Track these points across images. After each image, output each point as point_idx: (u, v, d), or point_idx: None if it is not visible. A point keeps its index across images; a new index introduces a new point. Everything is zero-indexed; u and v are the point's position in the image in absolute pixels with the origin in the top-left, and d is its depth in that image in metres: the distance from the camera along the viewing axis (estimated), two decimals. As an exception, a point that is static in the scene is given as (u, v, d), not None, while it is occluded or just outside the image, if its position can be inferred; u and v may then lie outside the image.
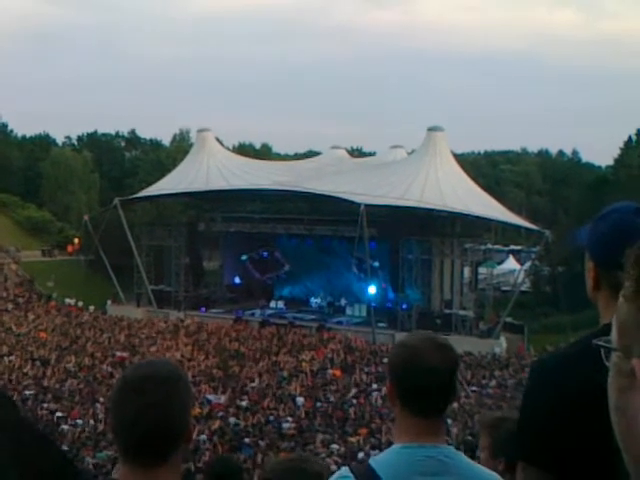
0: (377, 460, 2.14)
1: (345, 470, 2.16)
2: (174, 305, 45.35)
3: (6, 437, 0.65)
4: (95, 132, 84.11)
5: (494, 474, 2.24)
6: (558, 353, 1.95)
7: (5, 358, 30.23)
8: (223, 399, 24.09)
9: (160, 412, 1.76)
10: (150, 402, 1.76)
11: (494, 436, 3.13)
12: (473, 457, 2.47)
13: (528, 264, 47.60)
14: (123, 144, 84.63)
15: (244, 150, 74.20)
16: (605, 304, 1.83)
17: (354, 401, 25.24)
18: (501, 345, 36.74)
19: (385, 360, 31.86)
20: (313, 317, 42.85)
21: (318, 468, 2.58)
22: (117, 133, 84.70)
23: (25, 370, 28.40)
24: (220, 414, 22.40)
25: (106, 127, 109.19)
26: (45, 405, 23.63)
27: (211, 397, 24.08)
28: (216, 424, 20.91)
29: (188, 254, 47.97)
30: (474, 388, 26.88)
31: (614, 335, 1.21)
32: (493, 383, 28.43)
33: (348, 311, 44.44)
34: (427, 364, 2.09)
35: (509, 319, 40.72)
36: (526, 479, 1.79)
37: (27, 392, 25.08)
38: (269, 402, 24.34)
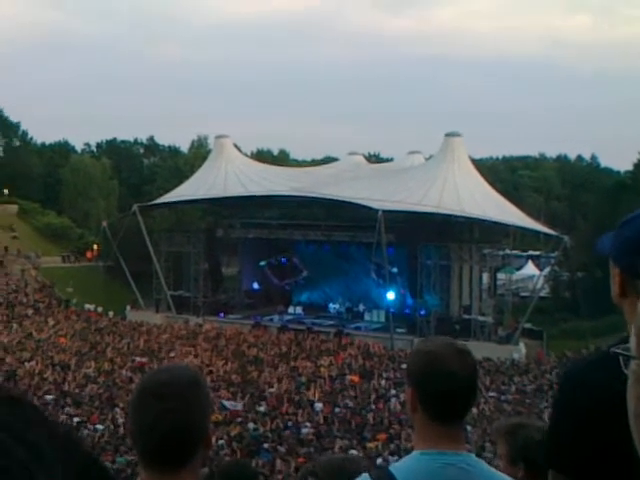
0: (397, 467, 2.13)
1: (365, 476, 2.14)
2: (193, 311, 45.45)
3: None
4: (114, 139, 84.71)
5: None
6: (589, 361, 1.93)
7: (26, 363, 30.43)
8: (240, 406, 24.12)
9: (179, 417, 1.77)
10: (169, 407, 1.77)
11: (511, 443, 3.13)
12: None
13: (547, 269, 47.34)
14: (142, 151, 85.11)
15: (262, 156, 74.40)
16: (631, 311, 1.80)
17: (372, 407, 25.21)
18: (520, 351, 36.55)
19: (403, 366, 31.81)
20: (331, 323, 42.82)
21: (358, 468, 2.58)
22: (136, 140, 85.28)
23: (45, 375, 28.58)
24: (239, 419, 22.45)
25: (125, 134, 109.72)
26: (65, 410, 23.78)
27: (227, 403, 24.08)
28: (235, 430, 20.95)
29: (207, 260, 48.09)
30: (493, 394, 26.78)
31: (633, 343, 1.21)
32: (512, 389, 28.30)
33: (366, 317, 44.40)
34: (448, 369, 2.09)
35: (528, 325, 40.51)
36: None
37: (47, 397, 25.25)
38: (287, 407, 24.36)
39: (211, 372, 29.06)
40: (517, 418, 3.68)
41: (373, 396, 26.64)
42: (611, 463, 1.66)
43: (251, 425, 21.93)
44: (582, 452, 1.72)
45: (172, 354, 33.11)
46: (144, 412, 1.79)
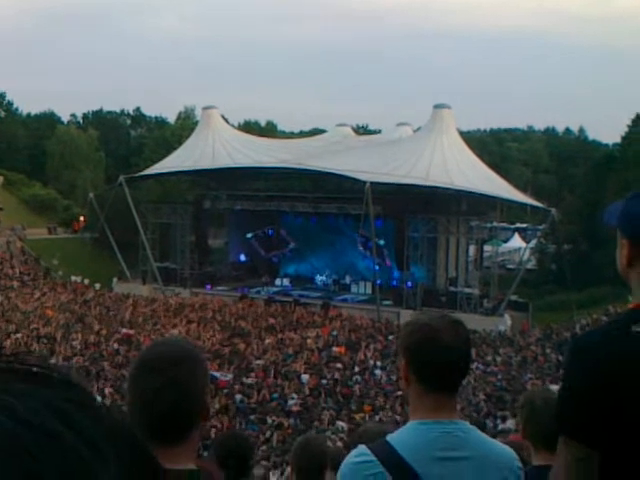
0: (394, 437, 2.15)
1: (363, 448, 2.15)
2: (180, 282, 45.47)
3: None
4: (100, 110, 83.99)
5: (507, 448, 2.26)
6: (598, 331, 1.97)
7: (12, 335, 30.36)
8: (230, 376, 24.18)
9: (179, 391, 1.78)
10: (169, 382, 1.78)
11: (522, 415, 3.16)
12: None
13: (534, 242, 47.57)
14: (128, 122, 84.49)
15: (249, 128, 73.95)
16: (638, 281, 1.85)
17: (358, 378, 25.33)
18: (505, 323, 36.77)
19: (390, 337, 32.00)
20: (318, 295, 42.89)
21: None
22: (122, 111, 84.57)
23: (32, 348, 28.52)
24: (225, 391, 22.51)
25: (111, 105, 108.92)
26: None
27: (217, 374, 24.15)
28: (221, 401, 21.01)
29: (193, 232, 48.01)
30: (479, 366, 26.93)
31: None
32: (498, 360, 28.49)
33: (353, 289, 44.50)
34: (443, 341, 2.13)
35: (514, 297, 40.73)
36: (568, 454, 1.81)
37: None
38: (274, 379, 24.44)
39: (197, 344, 29.08)
40: (533, 389, 3.69)
41: (359, 368, 26.75)
42: (622, 430, 1.70)
43: (238, 397, 22.00)
44: (594, 418, 1.74)
45: (158, 326, 33.09)
46: (143, 387, 1.80)
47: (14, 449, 0.53)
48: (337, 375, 25.47)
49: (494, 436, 2.43)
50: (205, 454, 10.76)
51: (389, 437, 2.16)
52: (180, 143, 54.18)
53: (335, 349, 29.55)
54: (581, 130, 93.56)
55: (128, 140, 79.60)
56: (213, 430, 17.52)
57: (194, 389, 1.82)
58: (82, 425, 0.57)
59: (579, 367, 1.83)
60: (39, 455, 0.53)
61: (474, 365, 26.28)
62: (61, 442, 0.55)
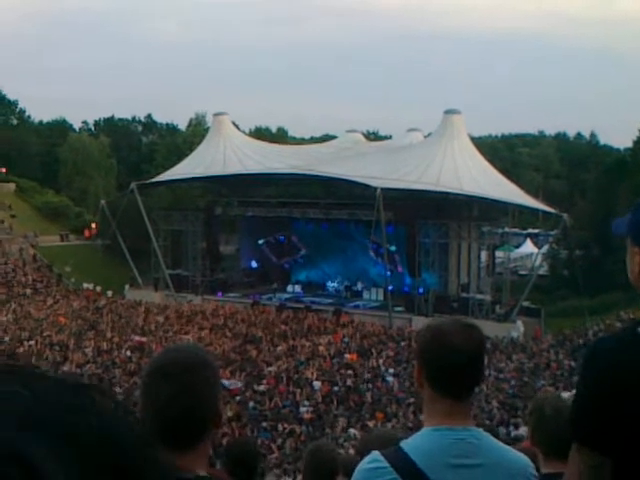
0: (408, 443, 2.15)
1: (377, 454, 2.15)
2: (191, 289, 45.52)
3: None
4: (112, 117, 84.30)
5: (522, 455, 2.24)
6: (612, 337, 1.96)
7: (25, 343, 30.48)
8: (239, 383, 24.16)
9: (191, 398, 1.78)
10: (181, 388, 1.78)
11: (530, 422, 3.14)
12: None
13: (546, 247, 47.32)
14: (140, 129, 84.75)
15: (260, 134, 74.06)
16: None
17: (370, 385, 25.28)
18: (519, 329, 36.59)
19: (402, 344, 31.95)
20: (330, 301, 42.85)
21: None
22: (134, 118, 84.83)
23: (44, 355, 28.62)
24: (238, 398, 22.51)
25: (123, 112, 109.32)
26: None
27: (226, 382, 24.14)
28: (233, 409, 21.01)
29: (205, 238, 48.03)
30: (491, 372, 26.83)
31: None
32: (510, 367, 28.37)
33: (365, 295, 44.42)
34: (451, 343, 2.12)
35: (526, 303, 40.56)
36: (580, 461, 1.79)
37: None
38: (286, 386, 24.42)
39: (209, 351, 29.09)
40: (542, 395, 3.66)
41: (371, 375, 26.70)
42: (635, 436, 1.67)
43: (250, 404, 22.00)
44: (607, 425, 1.73)
45: (170, 333, 33.13)
46: (156, 393, 1.80)
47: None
48: (349, 382, 25.44)
49: (507, 443, 2.41)
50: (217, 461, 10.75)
51: (402, 443, 2.15)
52: (191, 150, 54.26)
53: (347, 356, 29.51)
54: (592, 135, 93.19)
55: (139, 147, 79.83)
56: (225, 438, 17.51)
57: (207, 395, 1.82)
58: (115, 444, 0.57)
59: (593, 373, 1.82)
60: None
61: (487, 372, 26.19)
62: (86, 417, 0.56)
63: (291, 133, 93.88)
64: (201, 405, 1.81)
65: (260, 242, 48.99)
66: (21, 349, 29.33)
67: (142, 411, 1.85)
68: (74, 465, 0.52)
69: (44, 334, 32.28)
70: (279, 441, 18.31)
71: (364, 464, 2.16)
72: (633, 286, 1.89)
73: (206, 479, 1.84)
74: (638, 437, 1.67)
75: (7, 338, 31.65)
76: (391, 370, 27.37)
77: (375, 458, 2.13)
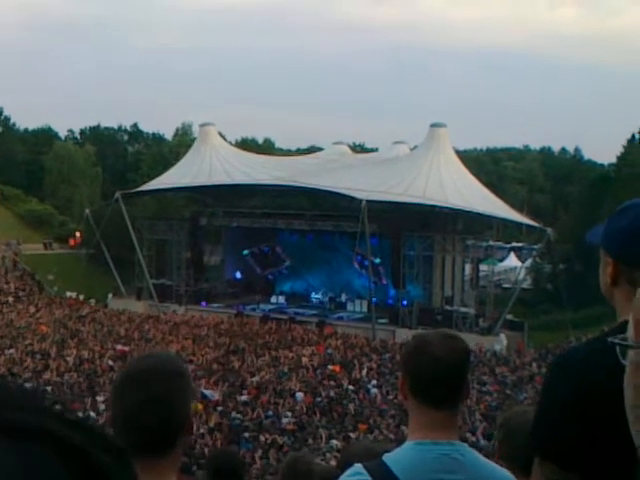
0: (391, 457, 2.12)
1: (359, 467, 2.12)
2: (175, 299, 45.37)
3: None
4: (98, 126, 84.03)
5: (506, 472, 2.23)
6: (579, 348, 1.92)
7: (6, 351, 30.23)
8: (217, 395, 23.99)
9: (162, 406, 1.77)
10: (153, 396, 1.76)
11: (498, 437, 3.11)
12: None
13: (529, 261, 47.57)
14: (126, 138, 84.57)
15: (247, 145, 74.03)
16: (623, 300, 1.78)
17: (353, 397, 25.23)
18: (502, 342, 36.72)
19: (386, 356, 31.94)
20: (314, 312, 42.85)
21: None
22: (120, 127, 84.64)
23: (25, 364, 28.40)
24: (219, 409, 22.40)
25: (109, 121, 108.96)
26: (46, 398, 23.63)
27: (207, 392, 24.02)
28: (212, 419, 20.92)
29: (190, 248, 47.93)
30: (474, 385, 26.84)
31: (631, 332, 1.18)
32: (492, 380, 28.41)
33: (349, 307, 44.46)
34: (433, 354, 2.11)
35: (510, 316, 40.68)
36: (542, 475, 1.76)
37: (27, 385, 25.11)
38: (269, 397, 24.34)
39: (192, 361, 28.98)
40: (511, 410, 3.62)
41: (354, 387, 26.65)
42: (600, 451, 1.63)
43: (232, 414, 21.90)
44: (570, 440, 1.68)
45: (153, 342, 32.99)
46: (127, 400, 1.78)
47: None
48: (332, 393, 25.38)
49: (488, 456, 2.39)
50: (201, 472, 10.69)
51: (385, 457, 2.13)
52: (177, 159, 54.20)
53: (330, 367, 29.44)
54: (577, 150, 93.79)
55: (125, 156, 79.60)
56: (206, 448, 17.43)
57: (179, 403, 1.81)
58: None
59: (557, 383, 1.79)
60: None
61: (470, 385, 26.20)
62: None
63: (277, 144, 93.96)
64: (173, 412, 1.79)
65: (245, 253, 48.93)
66: (2, 358, 29.08)
67: (113, 419, 1.84)
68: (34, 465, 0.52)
69: (25, 342, 32.05)
70: (260, 452, 18.22)
71: (346, 477, 2.13)
72: (606, 297, 1.87)
73: None
74: (603, 452, 1.62)
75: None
76: (374, 382, 27.33)
77: (357, 471, 2.10)
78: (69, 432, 0.57)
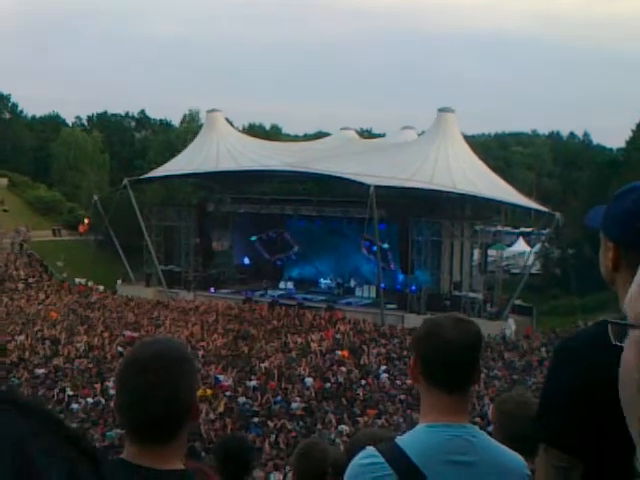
0: (404, 440, 2.14)
1: (372, 450, 2.13)
2: (184, 285, 45.50)
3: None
4: (105, 112, 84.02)
5: (517, 455, 2.23)
6: (584, 333, 1.91)
7: (16, 337, 30.40)
8: (229, 380, 24.17)
9: (167, 392, 1.77)
10: (158, 382, 1.77)
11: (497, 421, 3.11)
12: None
13: (538, 246, 47.37)
14: (133, 124, 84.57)
15: (254, 131, 73.96)
16: (624, 285, 1.78)
17: (362, 382, 25.29)
18: (510, 327, 36.67)
19: (394, 341, 31.99)
20: (322, 298, 42.87)
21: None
22: (127, 113, 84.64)
23: (36, 350, 28.57)
24: (228, 394, 22.50)
25: (116, 108, 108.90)
26: (58, 384, 23.81)
27: (220, 377, 24.21)
28: (221, 405, 21.02)
29: (198, 235, 47.94)
30: (483, 369, 26.89)
31: (631, 312, 1.17)
32: (501, 365, 28.43)
33: (357, 292, 44.48)
34: (444, 337, 2.11)
35: (518, 301, 40.61)
36: (547, 462, 1.77)
37: (38, 371, 25.28)
38: (278, 382, 24.42)
39: (202, 347, 29.09)
40: (507, 393, 3.61)
41: (362, 371, 26.71)
42: (606, 437, 1.63)
43: (241, 400, 21.99)
44: (576, 426, 1.69)
45: (162, 328, 33.10)
46: (132, 386, 1.79)
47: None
48: (341, 378, 25.45)
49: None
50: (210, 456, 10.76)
51: (398, 439, 2.14)
52: (184, 146, 54.15)
53: (339, 353, 29.51)
54: (585, 134, 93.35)
55: (132, 142, 79.67)
56: (214, 433, 17.53)
57: (184, 389, 1.82)
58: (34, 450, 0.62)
59: (563, 370, 1.79)
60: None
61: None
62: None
63: (285, 130, 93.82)
64: (178, 398, 1.80)
65: (253, 239, 48.92)
66: (12, 344, 29.25)
67: (119, 405, 1.85)
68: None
69: (35, 329, 32.22)
70: (271, 437, 18.30)
71: (358, 459, 2.13)
72: (607, 282, 1.83)
73: (189, 473, 1.85)
74: (608, 438, 1.60)
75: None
76: (383, 367, 27.38)
77: (370, 453, 2.11)
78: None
